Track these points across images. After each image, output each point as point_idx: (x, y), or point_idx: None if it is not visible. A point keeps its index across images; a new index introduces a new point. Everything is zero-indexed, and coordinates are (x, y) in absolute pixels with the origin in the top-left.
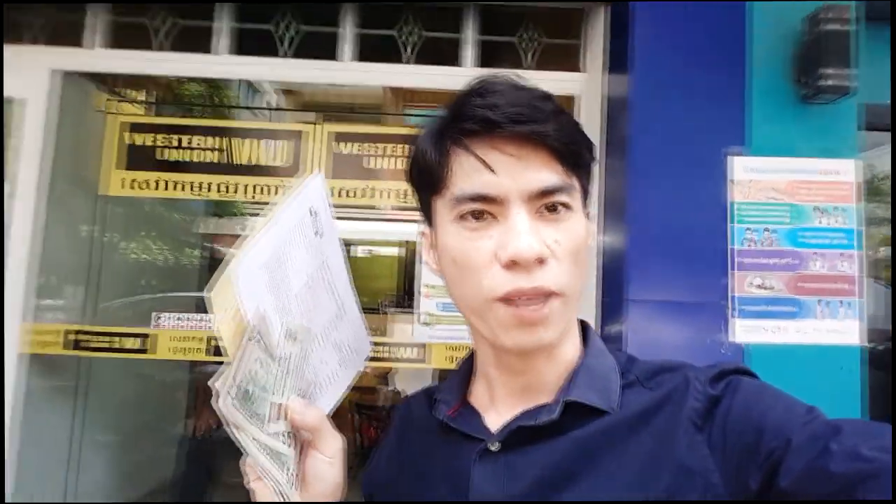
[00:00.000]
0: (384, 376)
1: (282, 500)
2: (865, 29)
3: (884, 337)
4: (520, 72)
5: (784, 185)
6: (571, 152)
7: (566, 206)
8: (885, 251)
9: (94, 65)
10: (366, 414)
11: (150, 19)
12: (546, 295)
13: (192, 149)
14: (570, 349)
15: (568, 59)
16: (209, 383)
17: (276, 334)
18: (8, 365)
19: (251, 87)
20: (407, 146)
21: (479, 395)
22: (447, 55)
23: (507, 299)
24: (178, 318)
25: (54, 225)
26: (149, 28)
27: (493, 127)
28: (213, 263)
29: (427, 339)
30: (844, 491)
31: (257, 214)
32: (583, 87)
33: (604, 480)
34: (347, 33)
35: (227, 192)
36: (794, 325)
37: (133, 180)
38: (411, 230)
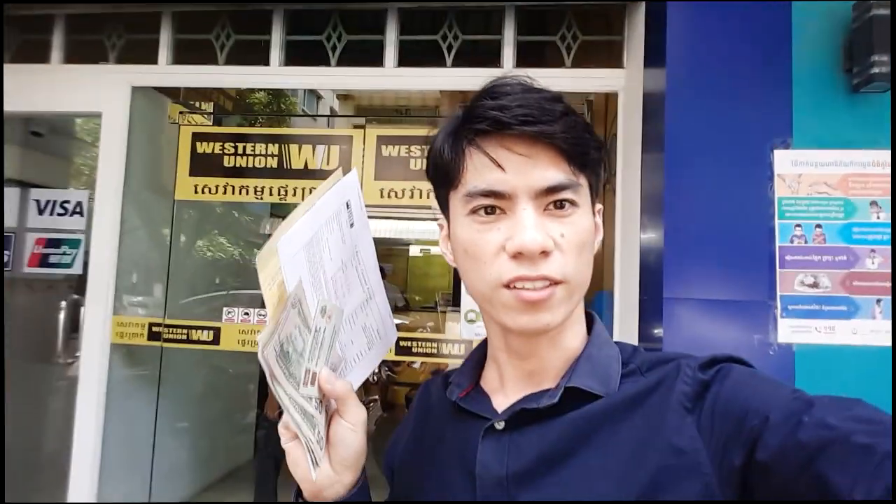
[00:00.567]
0: (438, 371)
1: (311, 457)
2: None
3: None
4: (561, 70)
5: (837, 179)
6: (578, 152)
7: (572, 202)
8: None
9: (165, 80)
10: None
11: (214, 37)
12: (549, 282)
13: (253, 155)
14: (574, 338)
15: (609, 57)
16: (257, 338)
17: (312, 307)
18: (99, 355)
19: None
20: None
21: (489, 380)
22: (488, 56)
23: (513, 285)
24: (245, 313)
25: (136, 227)
26: (213, 44)
27: (503, 127)
28: None
29: (473, 335)
30: (810, 458)
31: None
32: (623, 84)
33: (598, 458)
34: (391, 40)
35: (283, 195)
36: (849, 326)
37: (202, 185)
38: None
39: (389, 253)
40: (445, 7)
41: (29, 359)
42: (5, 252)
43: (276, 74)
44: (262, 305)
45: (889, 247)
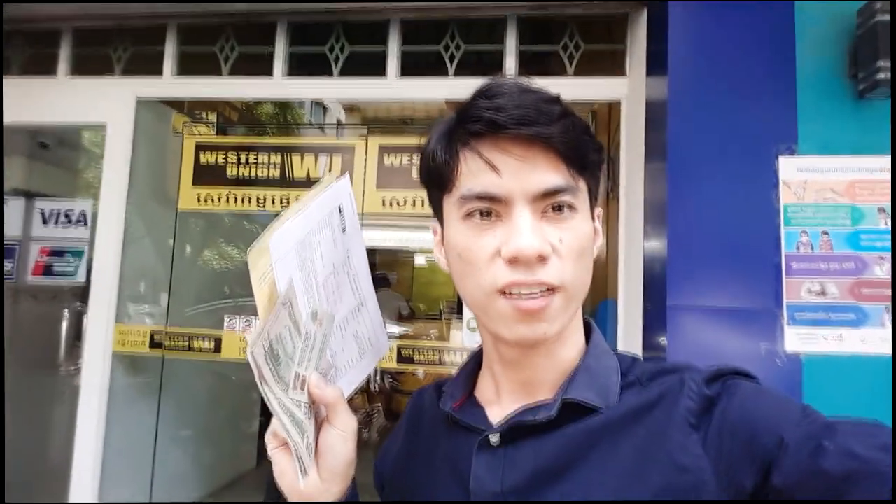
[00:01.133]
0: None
1: (299, 464)
2: None
3: None
4: (563, 79)
5: (843, 186)
6: (577, 154)
7: (571, 206)
8: None
9: (169, 91)
10: None
11: (218, 49)
12: (546, 289)
13: (255, 165)
14: (571, 348)
15: (612, 65)
16: (246, 337)
17: (303, 310)
18: (101, 363)
19: (320, 105)
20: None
21: (484, 390)
22: (491, 66)
23: (508, 292)
24: (246, 322)
25: (139, 237)
26: (217, 56)
27: (499, 129)
28: None
29: (475, 343)
30: (838, 490)
31: None
32: (626, 92)
33: (596, 474)
34: (394, 50)
35: (286, 204)
36: (858, 334)
37: (205, 195)
38: None
39: (394, 262)
40: (448, 17)
41: (34, 367)
42: (9, 262)
43: (279, 85)
44: None
45: None
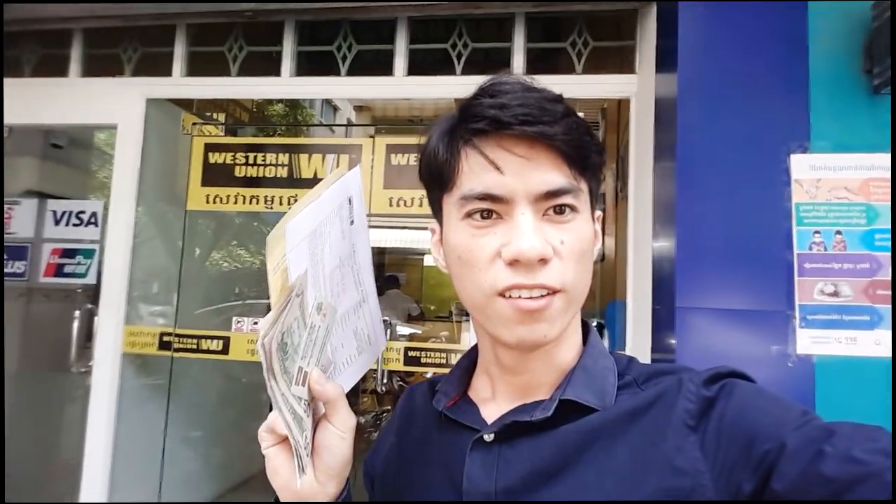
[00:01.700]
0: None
1: (297, 462)
2: None
3: None
4: (572, 77)
5: (857, 184)
6: (580, 155)
7: (573, 208)
8: None
9: (179, 91)
10: None
11: (227, 49)
12: (547, 291)
13: (264, 165)
14: (569, 351)
15: (621, 63)
16: (258, 325)
17: (310, 301)
18: (111, 364)
19: (330, 105)
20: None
21: (479, 389)
22: (499, 64)
23: (508, 294)
24: (255, 323)
25: (149, 238)
26: (226, 56)
27: (502, 127)
28: None
29: None
30: (839, 494)
31: None
32: (635, 90)
33: (592, 475)
34: (401, 49)
35: (294, 204)
36: (872, 336)
37: (214, 195)
38: None
39: (404, 263)
40: (455, 15)
41: (46, 367)
42: (22, 262)
43: (287, 85)
44: None
45: None
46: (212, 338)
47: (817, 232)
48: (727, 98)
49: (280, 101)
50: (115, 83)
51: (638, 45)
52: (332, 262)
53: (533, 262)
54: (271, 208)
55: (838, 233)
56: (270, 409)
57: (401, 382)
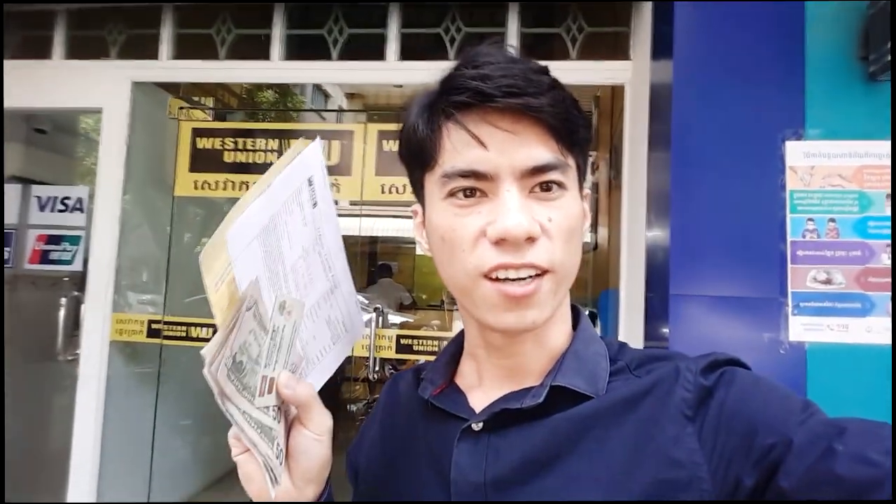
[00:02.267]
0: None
1: (269, 474)
2: None
3: None
4: (566, 62)
5: (851, 171)
6: (567, 129)
7: (560, 184)
8: None
9: (166, 75)
10: None
11: (215, 31)
12: (535, 272)
13: (253, 151)
14: (560, 334)
15: (615, 49)
16: (201, 353)
17: (269, 306)
18: (99, 352)
19: (321, 91)
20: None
21: (465, 376)
22: None
23: (494, 277)
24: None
25: (136, 224)
26: (214, 39)
27: (486, 99)
28: None
29: None
30: (854, 495)
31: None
32: (630, 76)
33: (585, 465)
34: (393, 33)
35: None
36: (864, 324)
37: (202, 181)
38: None
39: (396, 252)
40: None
41: (33, 356)
42: (7, 249)
43: (277, 69)
44: None
45: None
46: (201, 325)
47: (811, 219)
48: (723, 85)
49: (270, 86)
50: (101, 66)
51: (633, 31)
52: (293, 255)
53: (520, 241)
54: None
55: (832, 220)
56: None
57: (392, 370)
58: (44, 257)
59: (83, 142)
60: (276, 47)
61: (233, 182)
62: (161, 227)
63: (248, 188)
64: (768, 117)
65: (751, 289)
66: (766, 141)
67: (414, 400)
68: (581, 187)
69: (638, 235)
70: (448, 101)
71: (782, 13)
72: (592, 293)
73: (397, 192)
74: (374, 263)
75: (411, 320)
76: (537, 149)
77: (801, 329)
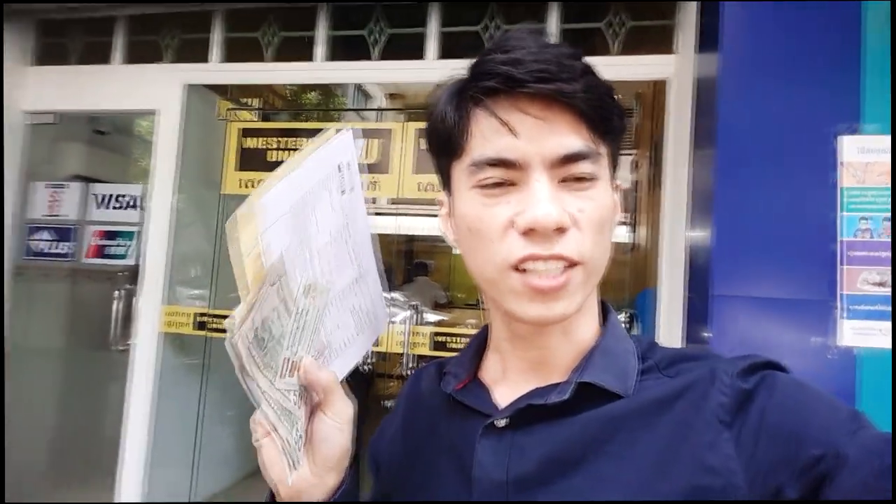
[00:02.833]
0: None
1: (288, 459)
2: None
3: None
4: (607, 58)
5: None
6: (601, 116)
7: (592, 175)
8: None
9: (216, 77)
10: None
11: (261, 34)
12: (565, 263)
13: (296, 149)
14: (588, 328)
15: (659, 43)
16: (224, 323)
17: (294, 286)
18: (150, 343)
19: (362, 92)
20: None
21: (490, 370)
22: None
23: (522, 268)
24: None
25: (188, 221)
26: (260, 42)
27: (516, 85)
28: None
29: None
30: None
31: None
32: (674, 70)
33: (613, 468)
34: (433, 32)
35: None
36: None
37: (248, 180)
38: None
39: (433, 250)
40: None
41: (89, 346)
42: (67, 244)
43: (320, 69)
44: None
45: None
46: None
47: (864, 218)
48: (773, 77)
49: (313, 87)
50: (156, 69)
51: (677, 24)
52: (321, 238)
53: (549, 232)
54: None
55: (887, 219)
56: None
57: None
58: (100, 252)
59: (139, 143)
60: (320, 48)
61: None
62: (210, 224)
63: None
64: (820, 111)
65: (798, 290)
66: (817, 136)
67: (437, 394)
68: (613, 177)
69: (679, 234)
70: (477, 87)
71: (835, 6)
72: (630, 294)
73: (434, 189)
74: (410, 262)
75: (446, 318)
76: (568, 137)
77: (852, 333)
